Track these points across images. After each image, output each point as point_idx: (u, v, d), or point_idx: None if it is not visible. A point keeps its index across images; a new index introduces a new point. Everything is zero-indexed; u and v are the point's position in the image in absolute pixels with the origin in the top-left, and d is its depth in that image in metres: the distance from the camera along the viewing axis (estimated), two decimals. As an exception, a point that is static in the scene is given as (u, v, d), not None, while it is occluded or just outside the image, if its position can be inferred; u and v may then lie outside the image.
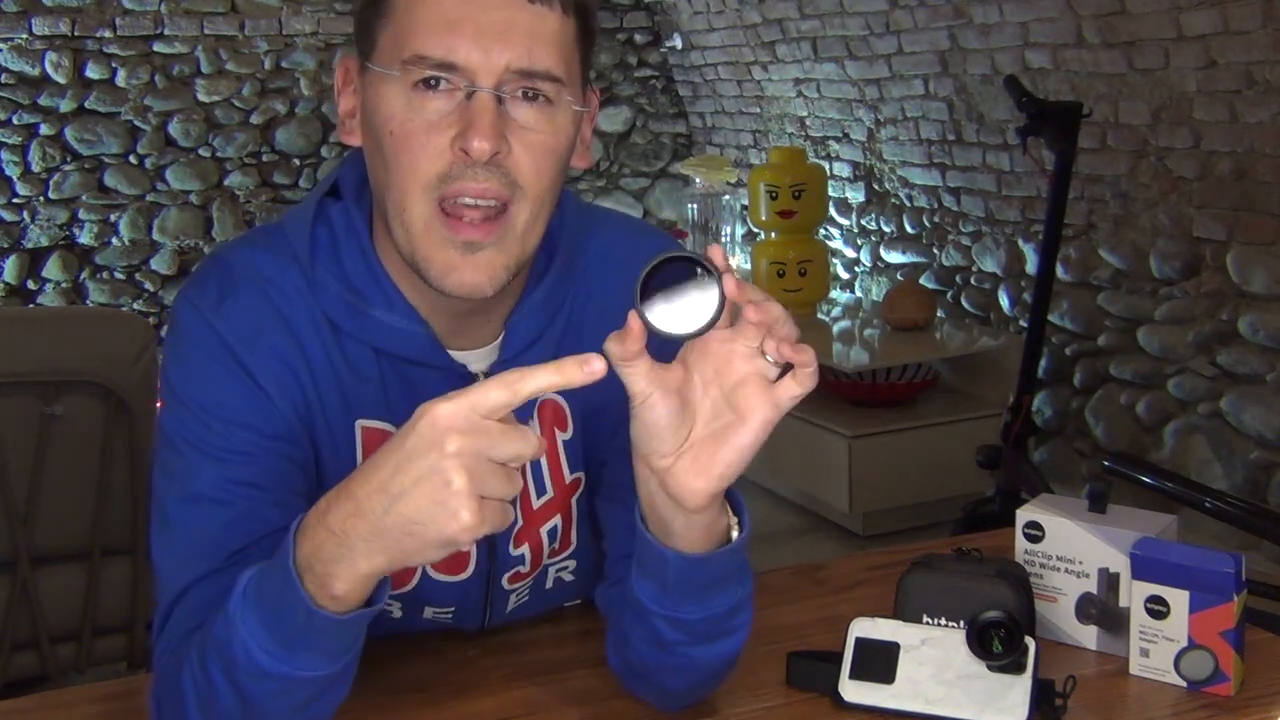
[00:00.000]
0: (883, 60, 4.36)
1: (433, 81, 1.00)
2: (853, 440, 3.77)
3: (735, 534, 1.00)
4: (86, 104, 4.97)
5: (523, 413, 1.15)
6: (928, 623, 1.19)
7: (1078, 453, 3.90)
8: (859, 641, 1.13)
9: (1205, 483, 3.10)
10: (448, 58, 1.00)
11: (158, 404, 1.11)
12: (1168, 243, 3.51)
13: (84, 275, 5.07)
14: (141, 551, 2.16)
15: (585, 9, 1.06)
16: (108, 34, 4.95)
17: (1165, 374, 3.56)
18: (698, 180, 5.20)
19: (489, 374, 1.11)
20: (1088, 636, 1.24)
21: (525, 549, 1.19)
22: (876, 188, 4.79)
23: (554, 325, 1.16)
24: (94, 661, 2.21)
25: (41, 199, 4.97)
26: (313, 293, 1.10)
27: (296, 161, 5.31)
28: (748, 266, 4.95)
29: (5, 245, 4.94)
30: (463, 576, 1.18)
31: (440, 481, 0.81)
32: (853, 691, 1.12)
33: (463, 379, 1.11)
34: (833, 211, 4.95)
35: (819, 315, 4.63)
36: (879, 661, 1.12)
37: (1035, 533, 1.26)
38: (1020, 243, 4.10)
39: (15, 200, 4.93)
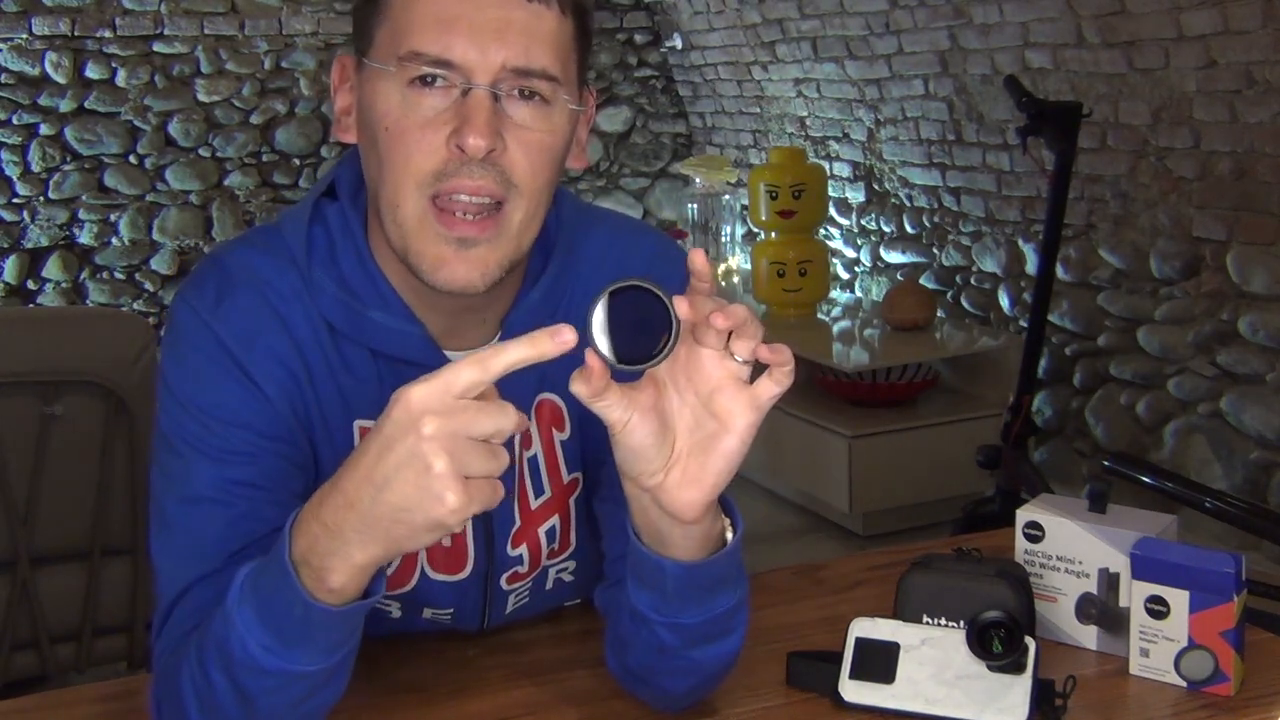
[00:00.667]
0: (883, 60, 4.36)
1: (429, 78, 1.00)
2: (853, 440, 3.76)
3: (730, 535, 1.00)
4: (86, 104, 4.97)
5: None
6: (928, 623, 1.18)
7: (1078, 453, 3.90)
8: (859, 641, 1.13)
9: (1205, 483, 3.10)
10: (444, 55, 1.00)
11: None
12: (1168, 243, 3.51)
13: (84, 275, 5.07)
14: (141, 551, 2.16)
15: (583, 9, 1.06)
16: (108, 34, 4.95)
17: (1165, 374, 3.56)
18: (698, 180, 5.20)
19: None
20: (1088, 636, 1.24)
21: (524, 549, 1.19)
22: (876, 188, 4.79)
23: (551, 325, 1.15)
24: (94, 661, 2.21)
25: (41, 199, 4.97)
26: (310, 294, 1.10)
27: (296, 161, 5.31)
28: (748, 266, 4.95)
29: (5, 245, 4.94)
30: (461, 576, 1.18)
31: (421, 466, 0.81)
32: (853, 691, 1.12)
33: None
34: (833, 211, 4.95)
35: (819, 315, 4.63)
36: (879, 661, 1.12)
37: (1035, 533, 1.26)
38: (1020, 243, 4.10)
39: (15, 200, 4.93)
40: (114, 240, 5.10)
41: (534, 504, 1.19)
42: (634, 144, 5.87)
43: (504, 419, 0.82)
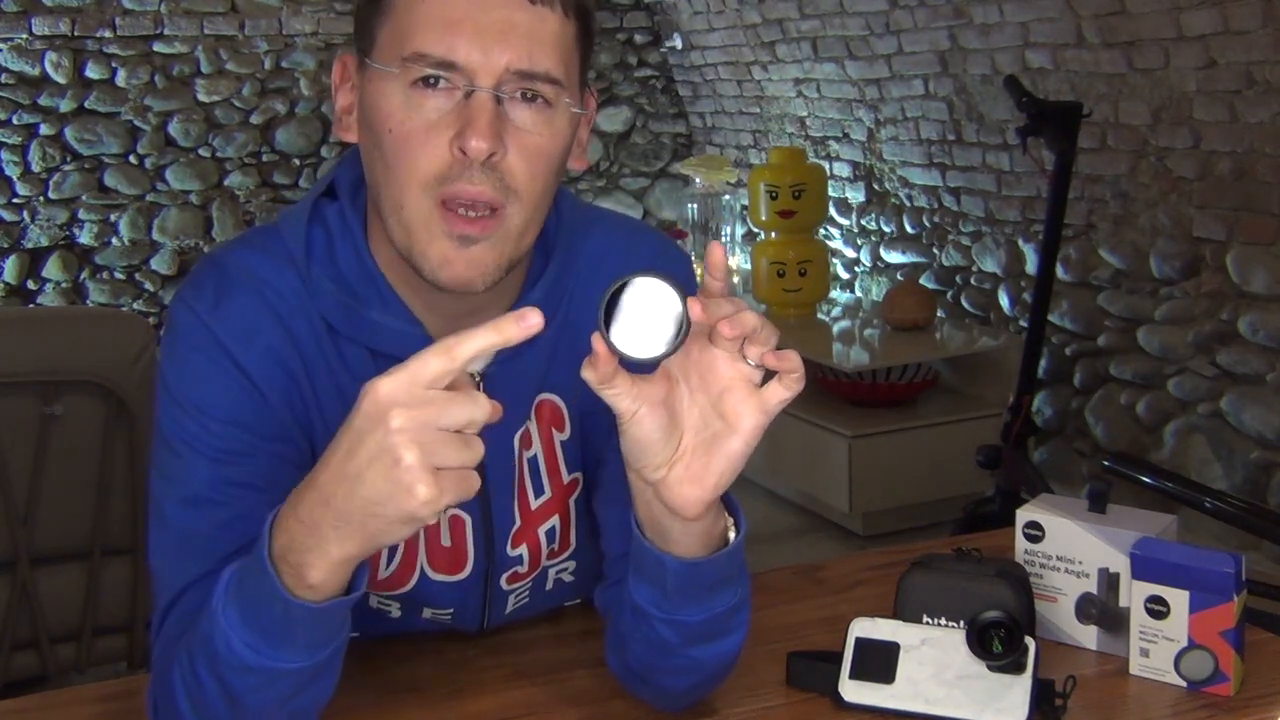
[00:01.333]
0: (883, 60, 4.36)
1: (432, 80, 1.00)
2: (853, 440, 3.76)
3: (732, 535, 1.00)
4: (86, 104, 4.97)
5: (520, 413, 1.16)
6: (928, 623, 1.18)
7: (1078, 453, 3.90)
8: (859, 641, 1.13)
9: (1205, 483, 3.10)
10: (447, 56, 1.00)
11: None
12: (1168, 243, 3.51)
13: (84, 275, 5.07)
14: (141, 551, 2.16)
15: (585, 11, 1.06)
16: (108, 34, 4.95)
17: (1165, 374, 3.56)
18: (698, 180, 5.20)
19: (484, 375, 1.11)
20: (1088, 636, 1.24)
21: (524, 549, 1.19)
22: (876, 188, 4.79)
23: (550, 325, 1.15)
24: (94, 661, 2.21)
25: (41, 199, 4.97)
26: (309, 294, 1.10)
27: (296, 161, 5.31)
28: (748, 266, 4.95)
29: (5, 245, 4.94)
30: (460, 576, 1.18)
31: (390, 459, 0.80)
32: (853, 691, 1.12)
33: (459, 380, 1.11)
34: (833, 211, 4.95)
35: (819, 315, 4.63)
36: (879, 661, 1.12)
37: (1035, 533, 1.26)
38: (1020, 243, 4.10)
39: (15, 200, 4.93)
40: (114, 240, 5.10)
41: (534, 504, 1.19)
42: (634, 144, 5.87)
43: (475, 409, 0.81)
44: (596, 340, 0.85)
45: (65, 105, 4.93)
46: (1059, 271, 3.62)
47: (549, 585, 1.25)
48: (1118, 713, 1.15)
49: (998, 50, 3.85)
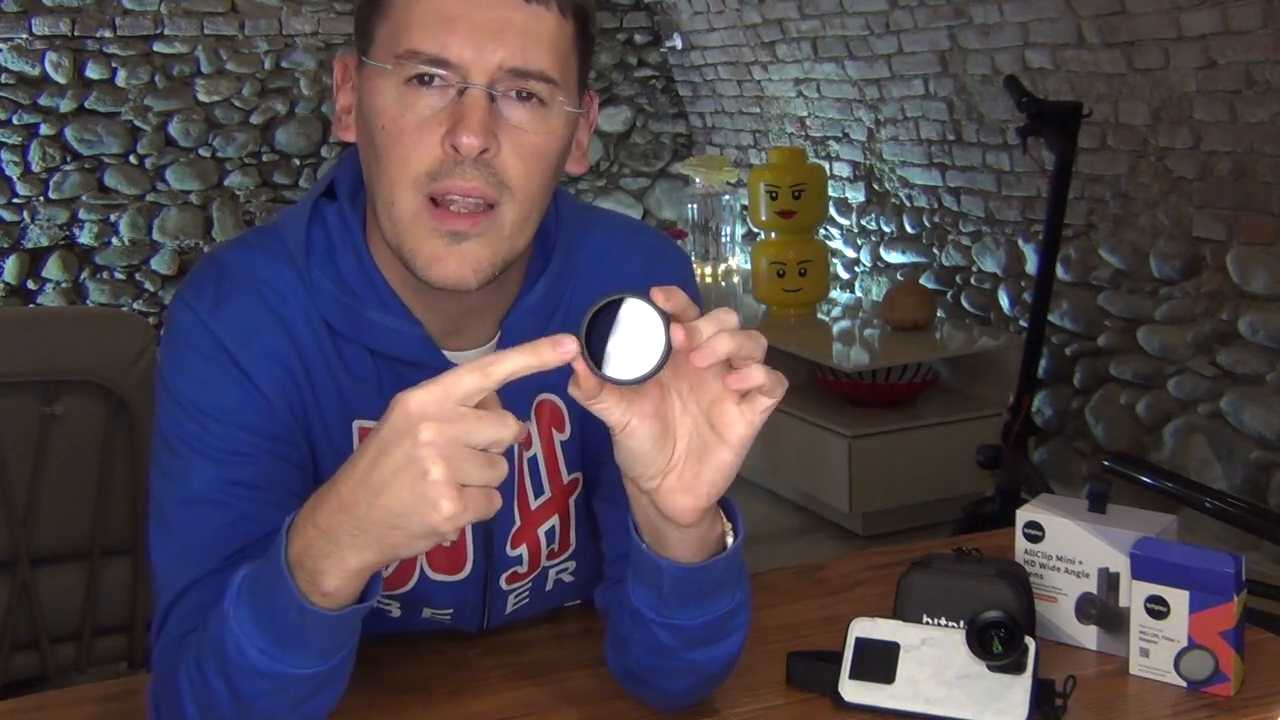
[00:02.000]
0: (883, 60, 4.36)
1: (425, 77, 1.00)
2: (853, 440, 3.76)
3: (730, 540, 1.00)
4: (86, 104, 4.97)
5: (520, 413, 1.16)
6: (928, 623, 1.18)
7: (1078, 453, 3.90)
8: (859, 641, 1.13)
9: (1205, 483, 3.10)
10: (441, 54, 0.99)
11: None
12: (1168, 243, 3.51)
13: (84, 275, 5.07)
14: (141, 551, 2.16)
15: (584, 12, 1.06)
16: (108, 34, 4.95)
17: (1165, 374, 3.56)
18: (698, 180, 5.20)
19: None
20: (1088, 636, 1.24)
21: (523, 549, 1.19)
22: (876, 188, 4.79)
23: (550, 326, 1.15)
24: (94, 661, 2.21)
25: (41, 199, 4.97)
26: (308, 294, 1.10)
27: (296, 161, 5.30)
28: (748, 266, 4.95)
29: (5, 245, 4.94)
30: (460, 576, 1.18)
31: (417, 472, 0.80)
32: (853, 691, 1.12)
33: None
34: (833, 211, 4.95)
35: (819, 315, 4.63)
36: (879, 661, 1.12)
37: (1035, 533, 1.26)
38: (1020, 243, 4.10)
39: (15, 200, 4.93)
40: (114, 240, 5.10)
41: (534, 504, 1.19)
42: (634, 144, 5.87)
43: (503, 429, 0.82)
44: (577, 361, 0.84)
45: (65, 105, 4.93)
46: (1059, 271, 3.62)
47: (549, 586, 1.25)
48: (1118, 713, 1.15)
49: (998, 50, 3.85)
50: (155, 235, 5.14)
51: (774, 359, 0.87)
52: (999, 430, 3.41)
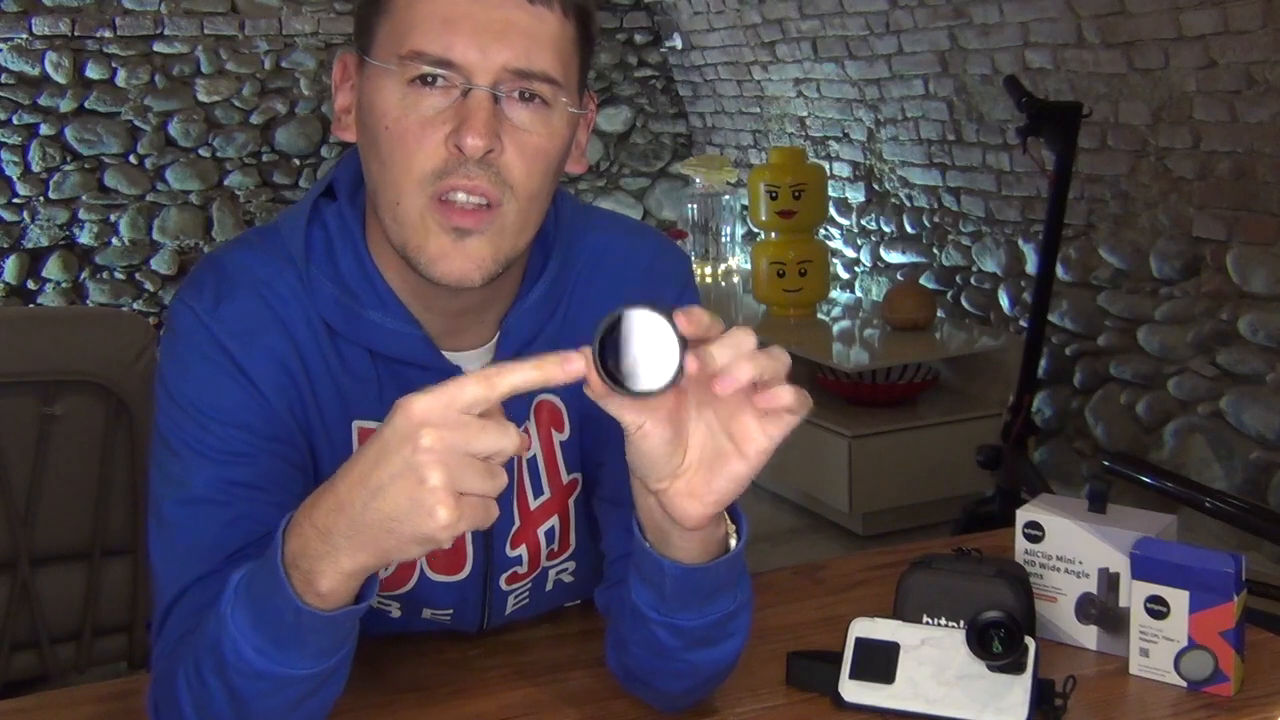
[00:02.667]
0: (883, 60, 4.36)
1: (429, 78, 1.00)
2: (853, 440, 3.76)
3: (733, 542, 1.00)
4: (86, 104, 4.97)
5: (519, 414, 1.16)
6: (928, 623, 1.18)
7: (1078, 453, 3.90)
8: (859, 641, 1.13)
9: (1205, 483, 3.10)
10: (445, 55, 1.00)
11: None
12: (1168, 243, 3.51)
13: (84, 275, 5.07)
14: (141, 551, 2.16)
15: (586, 13, 1.06)
16: (108, 34, 4.95)
17: (1165, 374, 3.56)
18: (698, 180, 5.20)
19: None
20: (1088, 636, 1.24)
21: (523, 550, 1.19)
22: (876, 188, 4.79)
23: (549, 326, 1.16)
24: (94, 661, 2.21)
25: (41, 199, 4.97)
26: (308, 294, 1.10)
27: (296, 161, 5.31)
28: (748, 266, 4.95)
29: (5, 245, 4.94)
30: (460, 577, 1.18)
31: (416, 478, 0.80)
32: (853, 691, 1.12)
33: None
34: (833, 211, 4.95)
35: (819, 315, 4.63)
36: (879, 661, 1.12)
37: (1035, 533, 1.26)
38: (1020, 243, 4.10)
39: (15, 200, 4.93)
40: (114, 240, 5.10)
41: (533, 504, 1.19)
42: (634, 144, 5.87)
43: (505, 439, 0.81)
44: (590, 370, 0.83)
45: (65, 105, 4.93)
46: (1059, 271, 3.62)
47: (549, 586, 1.25)
48: (1118, 713, 1.15)
49: (998, 50, 3.85)
50: (155, 235, 5.14)
51: (775, 359, 0.87)
52: (999, 430, 3.41)
